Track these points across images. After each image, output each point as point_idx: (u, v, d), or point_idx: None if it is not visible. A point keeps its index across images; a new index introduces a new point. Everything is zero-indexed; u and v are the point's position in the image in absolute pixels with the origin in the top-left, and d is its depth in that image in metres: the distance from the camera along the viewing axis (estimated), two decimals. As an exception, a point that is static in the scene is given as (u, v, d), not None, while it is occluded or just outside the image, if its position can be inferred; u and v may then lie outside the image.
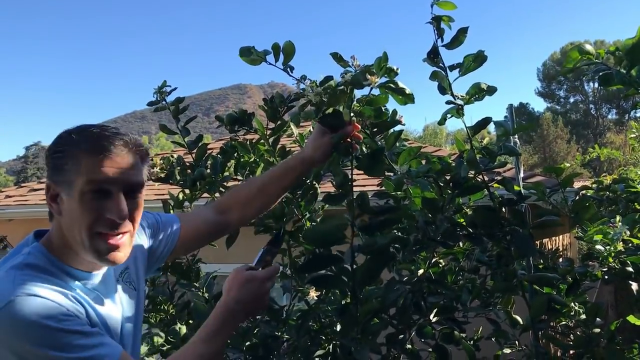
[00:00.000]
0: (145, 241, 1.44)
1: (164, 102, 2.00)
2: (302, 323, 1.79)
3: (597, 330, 1.79)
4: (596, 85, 41.70)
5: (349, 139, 1.48)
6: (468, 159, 1.49)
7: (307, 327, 1.82)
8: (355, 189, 3.13)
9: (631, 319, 1.75)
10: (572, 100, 48.34)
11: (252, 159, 1.92)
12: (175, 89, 1.98)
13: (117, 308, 1.26)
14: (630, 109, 37.95)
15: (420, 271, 1.69)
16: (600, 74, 1.31)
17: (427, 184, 1.51)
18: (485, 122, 1.50)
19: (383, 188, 2.04)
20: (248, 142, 1.99)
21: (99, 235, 1.14)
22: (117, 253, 1.16)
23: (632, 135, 4.88)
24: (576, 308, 1.78)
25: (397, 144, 1.79)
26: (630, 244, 1.48)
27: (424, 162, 1.75)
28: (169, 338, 1.83)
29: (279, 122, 1.86)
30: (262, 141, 1.92)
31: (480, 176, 1.54)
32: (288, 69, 1.68)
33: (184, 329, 1.86)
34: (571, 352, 1.84)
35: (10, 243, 7.21)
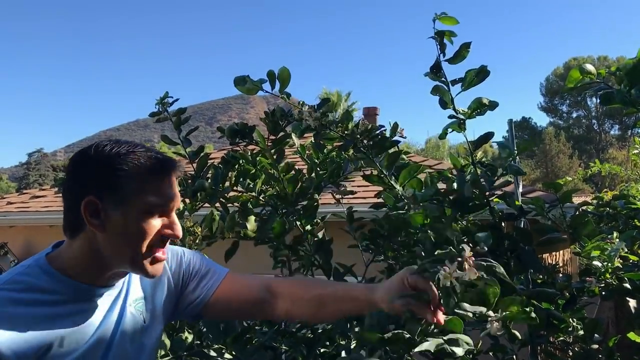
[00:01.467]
0: (170, 277, 1.39)
1: (165, 113, 2.02)
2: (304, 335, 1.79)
3: (596, 346, 1.79)
4: (599, 100, 41.93)
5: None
6: (472, 179, 1.49)
7: (308, 339, 1.82)
8: (354, 201, 3.15)
9: (631, 335, 1.74)
10: (574, 115, 48.44)
11: (253, 171, 1.93)
12: (177, 99, 2.00)
13: (114, 327, 1.23)
14: (632, 125, 37.95)
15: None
16: (601, 92, 1.32)
17: (434, 207, 1.50)
18: (487, 137, 1.51)
19: (381, 200, 2.05)
20: (249, 154, 2.00)
21: (154, 252, 1.17)
22: (159, 266, 1.20)
23: (635, 152, 4.88)
24: (574, 324, 1.78)
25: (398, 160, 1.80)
26: (628, 261, 1.49)
27: (422, 177, 1.76)
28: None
29: (280, 135, 1.87)
30: (264, 153, 1.93)
31: (483, 195, 1.54)
32: (285, 96, 1.70)
33: (190, 337, 1.87)
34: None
35: (11, 250, 7.22)
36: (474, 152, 1.57)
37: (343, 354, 1.81)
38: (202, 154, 1.99)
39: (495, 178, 1.51)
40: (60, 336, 1.13)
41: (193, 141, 2.12)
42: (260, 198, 1.95)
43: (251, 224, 1.81)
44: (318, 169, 2.10)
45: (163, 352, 1.83)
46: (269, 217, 1.96)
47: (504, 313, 1.01)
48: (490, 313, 1.01)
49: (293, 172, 1.95)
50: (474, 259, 1.00)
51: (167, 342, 1.84)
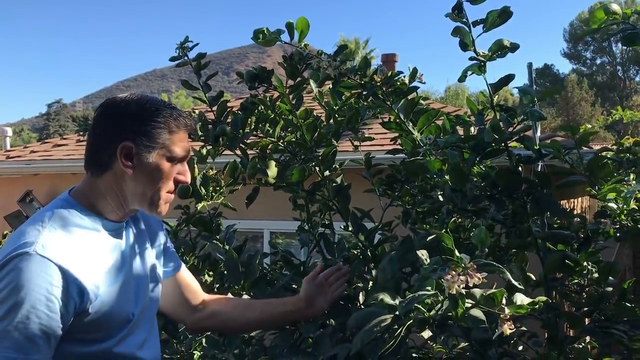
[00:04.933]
0: (161, 241, 1.58)
1: (185, 58, 2.02)
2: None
3: (610, 289, 1.81)
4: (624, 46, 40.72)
5: None
6: (492, 124, 1.49)
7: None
8: (371, 147, 3.15)
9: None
10: (598, 61, 47.16)
11: (272, 116, 1.95)
12: (197, 44, 2.00)
13: (142, 262, 1.43)
14: (658, 71, 36.92)
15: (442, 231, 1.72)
16: (624, 33, 1.30)
17: (456, 154, 1.52)
18: (508, 79, 1.50)
19: (398, 145, 2.06)
20: (268, 99, 2.01)
21: (167, 193, 1.37)
22: (167, 206, 1.39)
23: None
24: (589, 267, 1.80)
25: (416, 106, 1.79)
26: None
27: (440, 122, 1.76)
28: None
29: (298, 80, 1.87)
30: (282, 99, 1.94)
31: (503, 140, 1.54)
32: (303, 47, 1.70)
33: (209, 279, 1.94)
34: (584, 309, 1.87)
35: (36, 197, 7.39)
36: (493, 95, 1.56)
37: (361, 295, 1.86)
38: (222, 100, 2.01)
39: (515, 123, 1.50)
40: (107, 267, 1.29)
41: (212, 89, 2.13)
42: (280, 144, 1.97)
43: (272, 170, 1.84)
44: (336, 115, 2.11)
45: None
46: (288, 163, 1.99)
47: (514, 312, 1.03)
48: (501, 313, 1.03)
49: (311, 118, 1.96)
50: (475, 266, 1.03)
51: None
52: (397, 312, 1.07)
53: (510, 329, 1.02)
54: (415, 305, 1.03)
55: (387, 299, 1.08)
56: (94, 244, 1.28)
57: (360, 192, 2.21)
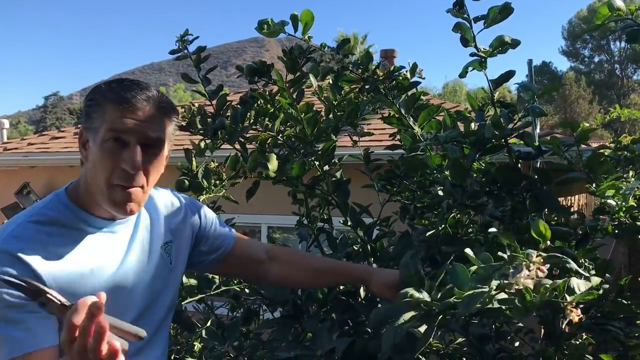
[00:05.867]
0: (192, 230, 1.45)
1: (185, 52, 2.02)
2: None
3: (607, 286, 1.82)
4: (623, 44, 40.60)
5: None
6: (492, 120, 1.49)
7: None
8: (370, 143, 3.15)
9: (643, 280, 1.77)
10: (596, 59, 47.18)
11: (271, 110, 1.95)
12: (197, 37, 1.99)
13: (139, 265, 1.28)
14: (656, 69, 36.97)
15: (442, 226, 1.72)
16: (628, 30, 1.30)
17: (457, 149, 1.52)
18: (508, 75, 1.50)
19: (397, 141, 2.06)
20: (267, 93, 2.01)
21: (116, 186, 1.17)
22: (131, 203, 1.19)
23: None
24: (586, 264, 1.81)
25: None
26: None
27: (440, 118, 1.76)
28: (201, 286, 1.90)
29: (298, 74, 1.87)
30: (282, 93, 1.94)
31: (503, 136, 1.54)
32: (307, 39, 1.70)
33: (216, 277, 1.94)
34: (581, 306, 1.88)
35: (33, 189, 7.37)
36: (494, 91, 1.57)
37: (361, 290, 1.87)
38: (221, 93, 2.01)
39: (516, 119, 1.51)
40: (90, 268, 1.17)
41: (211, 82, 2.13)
42: (279, 138, 1.97)
43: (272, 163, 1.84)
44: (336, 110, 2.11)
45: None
46: (288, 157, 1.99)
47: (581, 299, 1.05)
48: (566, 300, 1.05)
49: (311, 112, 1.95)
50: (542, 260, 1.04)
51: (193, 281, 1.91)
52: (425, 308, 1.06)
53: (578, 316, 1.05)
54: (455, 300, 1.02)
55: (417, 294, 1.07)
56: (75, 244, 1.17)
57: (359, 187, 2.22)
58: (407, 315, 1.05)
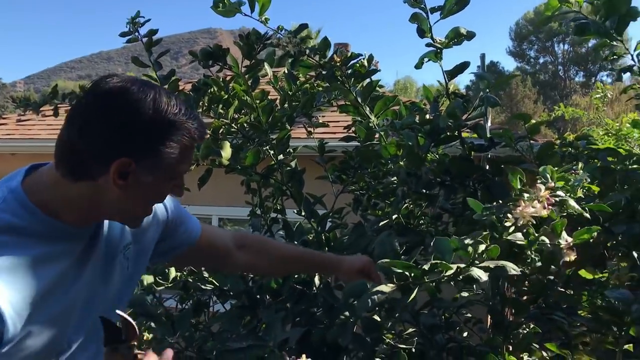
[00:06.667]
0: (159, 228, 1.33)
1: (136, 34, 1.95)
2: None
3: (552, 277, 1.87)
4: (566, 47, 41.99)
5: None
6: (448, 110, 1.51)
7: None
8: (324, 135, 3.15)
9: (582, 273, 1.82)
10: (541, 60, 48.70)
11: (225, 97, 1.91)
12: (149, 20, 1.93)
13: (98, 276, 1.14)
14: (597, 72, 38.45)
15: (395, 216, 1.73)
16: (576, 23, 1.33)
17: (413, 135, 1.52)
18: (463, 66, 1.52)
19: (352, 132, 2.06)
20: (221, 80, 1.97)
21: (152, 207, 1.14)
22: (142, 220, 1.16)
23: (597, 96, 4.99)
24: (532, 255, 1.85)
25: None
26: (591, 192, 1.54)
27: (396, 108, 1.77)
28: (157, 279, 1.85)
29: (254, 60, 1.84)
30: (237, 79, 1.90)
31: (457, 126, 1.56)
32: (264, 20, 1.67)
33: (173, 272, 1.89)
34: (525, 297, 1.92)
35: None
36: (448, 82, 1.58)
37: (316, 279, 1.85)
38: (173, 78, 1.95)
39: (470, 110, 1.52)
40: (51, 280, 1.02)
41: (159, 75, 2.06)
42: (233, 126, 1.93)
43: (226, 151, 1.80)
44: (291, 100, 2.09)
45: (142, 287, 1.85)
46: (241, 145, 1.95)
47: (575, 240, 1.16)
48: (562, 242, 1.18)
49: (266, 101, 1.93)
50: (548, 196, 1.11)
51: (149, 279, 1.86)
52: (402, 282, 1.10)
53: (574, 256, 1.15)
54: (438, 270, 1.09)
55: (400, 264, 1.11)
56: (33, 258, 1.00)
57: (313, 178, 2.21)
58: (386, 288, 1.07)
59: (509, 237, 1.12)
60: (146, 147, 1.00)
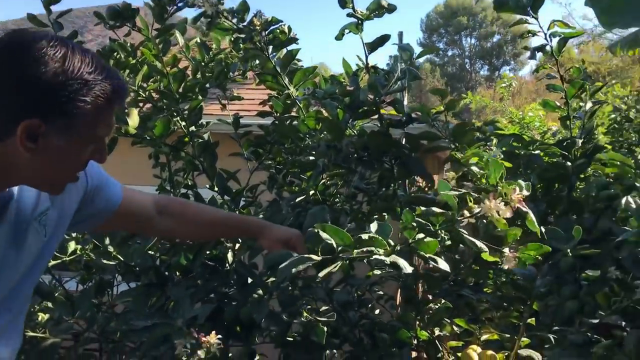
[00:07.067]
0: (79, 195, 1.25)
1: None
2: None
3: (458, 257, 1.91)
4: (473, 41, 43.78)
5: None
6: (370, 83, 1.48)
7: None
8: (237, 107, 3.07)
9: (484, 255, 1.89)
10: (450, 53, 50.56)
11: (132, 62, 1.78)
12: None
13: (6, 244, 1.08)
14: (500, 66, 40.41)
15: (312, 192, 1.70)
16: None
17: (335, 105, 1.48)
18: (384, 39, 1.50)
19: (267, 107, 2.00)
20: (129, 45, 1.85)
21: (73, 175, 1.07)
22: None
23: (503, 85, 5.21)
24: (442, 235, 1.89)
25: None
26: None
27: (317, 80, 1.73)
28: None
29: (166, 24, 1.73)
30: (147, 44, 1.78)
31: (377, 100, 1.54)
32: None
33: (72, 245, 1.75)
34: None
35: None
36: (368, 56, 1.56)
37: (229, 255, 1.79)
38: (75, 40, 1.79)
39: (390, 84, 1.51)
40: None
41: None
42: (140, 93, 1.81)
43: (133, 119, 1.68)
44: (205, 70, 2.00)
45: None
46: (150, 115, 1.84)
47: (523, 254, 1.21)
48: (506, 251, 1.22)
49: (177, 68, 1.82)
50: (522, 199, 1.11)
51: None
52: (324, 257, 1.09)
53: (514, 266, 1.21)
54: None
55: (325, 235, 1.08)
56: None
57: (226, 154, 2.13)
58: (311, 258, 1.06)
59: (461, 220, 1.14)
60: (56, 108, 0.93)
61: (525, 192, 1.13)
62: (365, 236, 1.09)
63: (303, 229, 1.30)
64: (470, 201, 1.32)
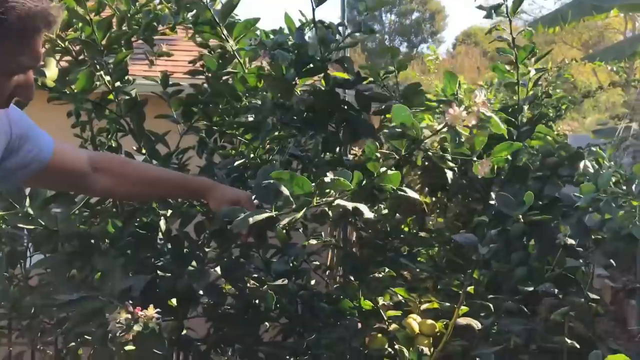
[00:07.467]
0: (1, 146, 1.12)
1: None
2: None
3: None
4: (393, 17, 44.30)
5: None
6: (320, 37, 1.37)
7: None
8: (166, 65, 2.87)
9: (475, 169, 1.88)
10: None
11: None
12: None
13: None
14: (418, 43, 41.19)
15: (252, 155, 1.59)
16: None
17: (287, 57, 1.37)
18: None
19: (198, 66, 1.86)
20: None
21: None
22: None
23: (430, 58, 5.26)
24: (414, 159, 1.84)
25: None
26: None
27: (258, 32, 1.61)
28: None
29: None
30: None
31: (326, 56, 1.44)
32: None
33: None
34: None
35: None
36: (315, 9, 1.45)
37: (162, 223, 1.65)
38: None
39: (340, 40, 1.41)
40: None
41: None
42: (60, 43, 1.62)
43: (51, 69, 1.49)
44: (131, 22, 1.82)
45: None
46: (71, 68, 1.65)
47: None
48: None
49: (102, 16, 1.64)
50: (485, 104, 1.09)
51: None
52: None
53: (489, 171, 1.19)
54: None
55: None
56: None
57: (154, 116, 1.96)
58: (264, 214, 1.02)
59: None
60: None
61: (485, 96, 1.10)
62: (327, 179, 1.01)
63: (254, 188, 1.21)
64: (430, 120, 1.30)
